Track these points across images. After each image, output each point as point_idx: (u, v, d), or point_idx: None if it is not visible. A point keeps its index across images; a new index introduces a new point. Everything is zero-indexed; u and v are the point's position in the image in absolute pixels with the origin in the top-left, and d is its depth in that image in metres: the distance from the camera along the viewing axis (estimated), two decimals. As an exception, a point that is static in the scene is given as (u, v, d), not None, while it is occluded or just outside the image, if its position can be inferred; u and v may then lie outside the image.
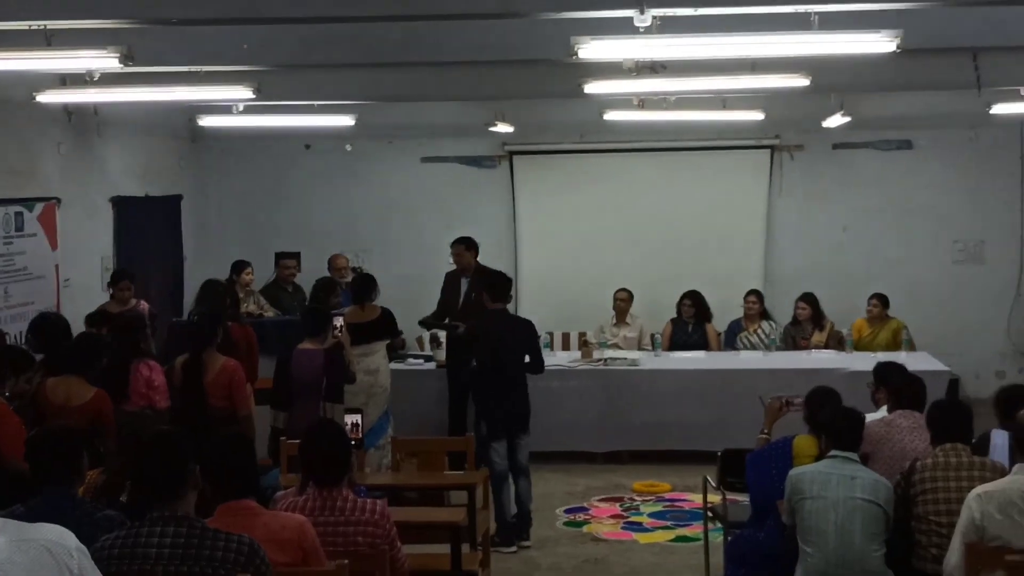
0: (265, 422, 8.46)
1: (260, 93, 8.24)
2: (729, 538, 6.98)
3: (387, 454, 8.74)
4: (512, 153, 13.74)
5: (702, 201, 13.40)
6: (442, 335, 10.79)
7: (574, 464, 10.67)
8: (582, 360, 11.28)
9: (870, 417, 6.49)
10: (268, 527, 4.54)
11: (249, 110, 9.99)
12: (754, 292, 12.25)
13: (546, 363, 9.14)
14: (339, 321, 8.86)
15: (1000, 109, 10.59)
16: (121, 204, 11.66)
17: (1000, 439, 6.10)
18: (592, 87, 8.10)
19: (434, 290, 10.86)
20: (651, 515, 9.44)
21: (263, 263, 12.26)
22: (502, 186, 13.80)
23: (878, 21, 6.17)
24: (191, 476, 4.19)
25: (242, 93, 8.26)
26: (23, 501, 4.63)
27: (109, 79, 7.58)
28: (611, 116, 10.79)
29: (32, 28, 6.21)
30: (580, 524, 9.24)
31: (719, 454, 7.59)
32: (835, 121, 11.53)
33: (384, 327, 9.58)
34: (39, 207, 10.18)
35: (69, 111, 10.40)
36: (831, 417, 6.07)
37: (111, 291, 10.12)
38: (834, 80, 9.26)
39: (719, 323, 12.35)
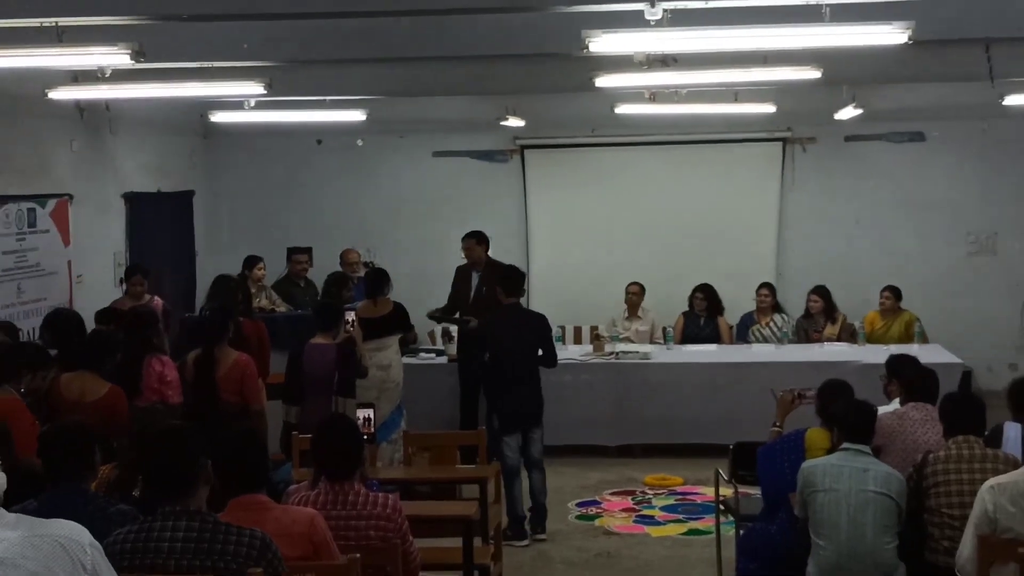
0: (277, 417, 8.48)
1: (271, 89, 8.25)
2: (741, 531, 6.99)
3: (399, 448, 8.75)
4: (523, 147, 13.73)
5: (714, 194, 13.37)
6: (454, 330, 10.80)
7: (586, 458, 10.67)
8: (594, 354, 11.28)
9: (882, 410, 6.48)
10: (279, 521, 4.55)
11: (260, 106, 9.99)
12: (766, 285, 12.23)
13: (558, 357, 9.14)
14: (351, 316, 8.87)
15: (1013, 100, 10.54)
16: (133, 200, 11.69)
17: (1013, 431, 6.10)
18: (603, 81, 8.08)
19: (445, 284, 10.87)
20: (663, 508, 9.44)
21: (275, 258, 12.27)
22: (513, 180, 13.80)
23: (890, 13, 6.14)
24: (203, 471, 4.20)
25: (253, 89, 8.27)
26: (36, 497, 4.64)
27: (121, 75, 7.58)
28: (622, 110, 10.77)
29: (44, 25, 6.21)
30: (592, 518, 9.24)
31: (731, 447, 7.59)
32: (847, 113, 11.50)
33: (397, 322, 9.58)
34: (52, 203, 10.21)
35: (81, 108, 10.42)
36: (843, 410, 6.07)
37: (124, 286, 10.15)
38: (846, 72, 9.24)
39: (731, 316, 12.33)
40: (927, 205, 13.22)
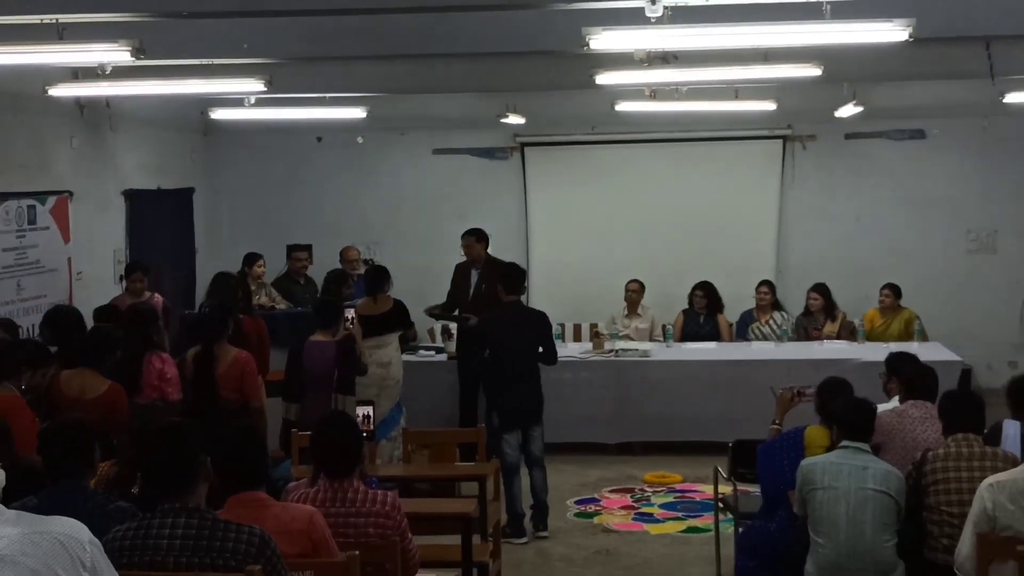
0: (277, 414, 8.48)
1: (272, 86, 8.25)
2: (740, 529, 6.99)
3: (399, 446, 8.75)
4: (524, 145, 13.73)
5: (714, 192, 13.37)
6: (453, 327, 10.80)
7: (585, 455, 10.67)
8: (593, 351, 11.28)
9: (882, 407, 6.49)
10: (278, 518, 4.55)
11: (261, 103, 9.99)
12: (766, 283, 12.23)
13: (558, 355, 9.14)
14: (350, 313, 8.87)
15: (1013, 98, 10.54)
16: (133, 197, 11.68)
17: (1012, 429, 6.10)
18: (604, 78, 8.08)
19: (445, 282, 10.87)
20: (662, 506, 9.44)
21: (275, 255, 12.28)
22: (514, 178, 13.80)
23: (890, 10, 6.14)
24: (202, 468, 4.20)
25: (254, 86, 8.27)
26: (36, 493, 4.64)
27: (121, 72, 7.58)
28: (623, 107, 10.77)
29: (44, 22, 6.21)
30: (591, 515, 9.25)
31: (730, 445, 7.60)
32: (847, 111, 11.50)
33: (397, 319, 9.58)
34: (52, 200, 10.20)
35: (81, 105, 10.42)
36: (843, 408, 6.07)
37: (124, 283, 10.14)
38: (846, 70, 9.23)
39: (731, 314, 12.33)
40: (927, 203, 13.22)
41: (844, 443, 5.88)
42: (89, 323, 8.43)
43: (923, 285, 12.62)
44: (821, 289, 12.00)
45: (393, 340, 9.58)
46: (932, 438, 6.25)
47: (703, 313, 12.18)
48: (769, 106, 11.09)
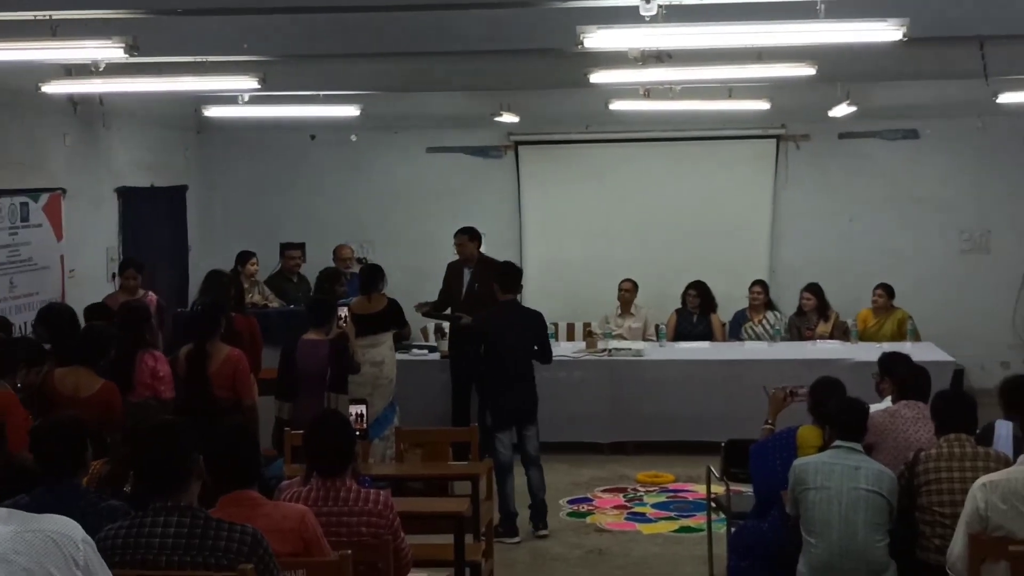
0: (269, 412, 8.47)
1: (265, 83, 8.23)
2: (733, 529, 6.99)
3: (392, 445, 8.74)
4: (518, 143, 13.72)
5: (707, 191, 13.38)
6: (446, 326, 10.79)
7: (578, 455, 10.67)
8: (587, 351, 11.28)
9: (874, 407, 6.49)
10: (270, 517, 4.54)
11: (254, 101, 9.97)
12: (759, 282, 12.24)
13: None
14: (344, 311, 8.86)
15: (1007, 98, 10.55)
16: (126, 195, 11.67)
17: (1004, 430, 6.11)
18: (598, 76, 8.08)
19: (439, 280, 10.88)
20: (654, 506, 9.44)
21: (268, 254, 12.27)
22: (507, 176, 13.79)
23: (884, 9, 6.14)
24: (194, 466, 4.19)
25: (247, 84, 8.24)
26: (28, 492, 4.63)
27: (114, 69, 7.57)
28: (617, 106, 10.76)
29: (37, 18, 6.20)
30: (584, 515, 9.25)
31: (723, 445, 7.61)
32: (841, 110, 11.50)
33: (391, 318, 9.58)
34: (44, 198, 10.19)
35: (74, 102, 10.38)
36: (835, 407, 6.07)
37: (117, 280, 10.13)
38: (840, 69, 9.23)
39: (724, 313, 12.34)
40: (921, 203, 13.23)
41: (837, 443, 5.88)
42: (81, 321, 8.41)
43: (916, 285, 12.62)
44: (814, 289, 12.01)
45: (387, 339, 9.57)
46: (925, 438, 6.26)
47: (696, 313, 12.18)
48: (763, 105, 11.09)
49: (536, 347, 8.85)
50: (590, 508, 9.41)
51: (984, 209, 13.20)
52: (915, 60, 9.46)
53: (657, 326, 11.86)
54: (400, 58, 9.24)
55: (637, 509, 9.37)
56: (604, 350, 11.24)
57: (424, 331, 11.57)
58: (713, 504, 7.77)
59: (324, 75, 9.94)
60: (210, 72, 8.06)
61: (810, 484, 5.75)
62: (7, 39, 6.50)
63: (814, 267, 12.72)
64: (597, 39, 6.02)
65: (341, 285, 10.26)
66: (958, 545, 5.23)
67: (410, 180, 13.81)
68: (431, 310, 10.81)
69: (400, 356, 10.04)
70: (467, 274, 10.54)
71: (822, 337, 11.76)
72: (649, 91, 9.95)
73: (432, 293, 10.92)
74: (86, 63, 7.24)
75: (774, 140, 13.40)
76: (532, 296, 12.74)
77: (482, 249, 10.67)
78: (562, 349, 11.19)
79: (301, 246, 12.51)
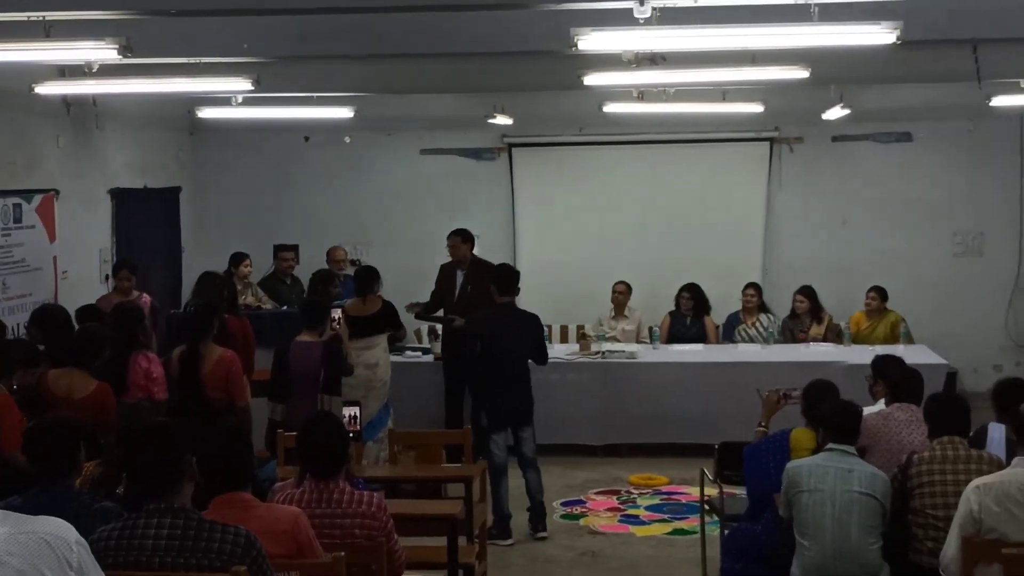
0: (262, 414, 8.46)
1: (259, 85, 8.21)
2: (726, 531, 6.99)
3: (385, 447, 8.74)
4: (511, 145, 13.73)
5: (701, 193, 13.39)
6: (440, 327, 10.78)
7: (571, 457, 10.66)
8: (580, 353, 11.28)
9: (868, 410, 6.50)
10: (263, 519, 4.54)
11: (248, 102, 9.96)
12: (752, 285, 12.25)
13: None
14: (337, 313, 8.86)
15: (1000, 101, 10.56)
16: (120, 196, 11.65)
17: (997, 433, 6.12)
18: (591, 79, 8.08)
19: (433, 283, 10.85)
20: (648, 508, 9.44)
21: (261, 255, 12.25)
22: (501, 178, 13.79)
23: (878, 13, 6.15)
24: (188, 468, 4.19)
25: (241, 85, 8.23)
26: (21, 493, 4.63)
27: (108, 71, 7.55)
28: (610, 108, 10.77)
29: (31, 19, 6.18)
30: (577, 517, 9.24)
31: (716, 447, 7.60)
32: (835, 113, 11.51)
33: (385, 320, 9.57)
34: (37, 199, 10.17)
35: (68, 103, 10.37)
36: (829, 410, 6.08)
37: (110, 282, 10.11)
38: (834, 72, 9.25)
39: (717, 316, 12.35)
40: (914, 205, 13.25)
41: (830, 446, 5.89)
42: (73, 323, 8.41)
43: (909, 288, 12.64)
44: (807, 291, 12.02)
45: (381, 341, 9.56)
46: (918, 441, 6.27)
47: (690, 315, 12.19)
48: (756, 108, 11.10)
49: (533, 349, 8.86)
50: (583, 510, 9.41)
51: (977, 212, 13.22)
52: (908, 63, 9.46)
53: (651, 328, 11.86)
54: (394, 60, 9.23)
55: (630, 511, 9.37)
56: (597, 352, 11.24)
57: (417, 333, 11.56)
58: (706, 506, 7.77)
59: (318, 76, 9.93)
60: (204, 73, 8.05)
61: (803, 486, 5.75)
62: (0, 40, 6.48)
63: (807, 270, 12.73)
64: (591, 41, 6.01)
65: (334, 287, 10.26)
66: (951, 548, 5.24)
67: (404, 182, 13.81)
68: (422, 311, 10.80)
69: (393, 358, 10.03)
70: (460, 276, 10.53)
71: (815, 340, 11.77)
72: (643, 93, 9.96)
73: (426, 295, 10.91)
74: (79, 64, 7.22)
75: (767, 143, 13.41)
76: (525, 298, 12.60)
77: (475, 251, 10.67)
78: (555, 351, 11.16)
79: (294, 248, 12.49)
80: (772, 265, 13.34)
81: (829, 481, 5.72)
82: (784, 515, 5.93)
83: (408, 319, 10.64)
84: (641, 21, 5.82)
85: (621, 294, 12.30)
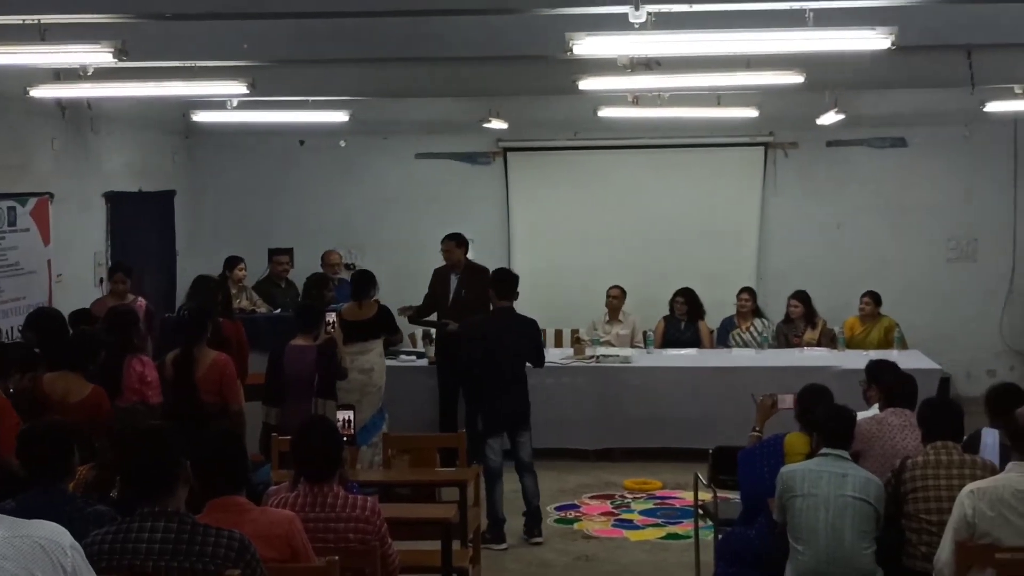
0: (256, 418, 8.46)
1: (254, 89, 8.23)
2: (720, 536, 6.99)
3: (380, 451, 8.73)
4: (506, 149, 13.74)
5: (696, 198, 13.41)
6: (434, 332, 10.77)
7: (565, 461, 10.66)
8: (574, 357, 11.28)
9: (861, 415, 6.49)
10: (257, 523, 4.54)
11: (243, 106, 9.97)
12: (747, 290, 12.25)
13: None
14: (332, 317, 8.86)
15: (994, 107, 10.59)
16: (114, 199, 11.65)
17: (991, 438, 6.12)
18: (586, 83, 8.09)
19: (427, 287, 10.84)
20: (642, 513, 9.44)
21: (256, 259, 12.26)
22: (496, 183, 13.80)
23: (873, 18, 6.16)
24: (182, 472, 4.19)
25: (236, 89, 8.25)
26: (14, 496, 4.62)
27: (103, 74, 7.56)
28: (605, 112, 10.77)
29: (26, 22, 6.19)
30: (571, 521, 9.24)
31: (710, 452, 7.61)
32: (829, 118, 11.51)
33: (381, 324, 9.57)
34: (32, 202, 10.16)
35: (63, 106, 10.37)
36: (823, 415, 6.08)
37: (105, 285, 10.11)
38: (828, 77, 9.25)
39: (712, 320, 12.34)
40: (908, 211, 13.27)
41: (824, 450, 5.89)
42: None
43: (903, 293, 12.65)
44: (801, 296, 12.03)
45: (376, 346, 9.56)
46: (911, 446, 6.27)
47: (684, 319, 12.19)
48: (751, 113, 11.12)
49: (530, 352, 8.89)
50: (577, 515, 9.41)
51: (971, 217, 13.24)
52: (903, 68, 9.48)
53: (645, 333, 11.87)
54: (389, 64, 9.25)
55: (624, 516, 9.37)
56: (592, 357, 11.24)
57: (412, 337, 11.56)
58: (700, 511, 7.77)
59: (313, 80, 9.94)
60: (199, 77, 8.06)
61: (797, 491, 5.75)
62: (-5, 43, 6.49)
63: (801, 274, 12.74)
64: (586, 46, 6.03)
65: (329, 290, 10.26)
66: (945, 552, 5.24)
67: (399, 186, 13.81)
68: (415, 315, 10.79)
69: (388, 362, 10.03)
70: (454, 280, 10.53)
71: (809, 344, 11.77)
72: (638, 98, 9.98)
73: (420, 299, 10.89)
74: (75, 67, 7.22)
75: (762, 148, 13.43)
76: (520, 302, 12.59)
77: (469, 255, 10.67)
78: (550, 356, 11.08)
79: (289, 251, 12.50)
80: (766, 270, 13.35)
81: (823, 486, 5.72)
82: (778, 520, 5.93)
83: (402, 323, 10.64)
84: (636, 26, 5.83)
85: (615, 298, 12.30)
